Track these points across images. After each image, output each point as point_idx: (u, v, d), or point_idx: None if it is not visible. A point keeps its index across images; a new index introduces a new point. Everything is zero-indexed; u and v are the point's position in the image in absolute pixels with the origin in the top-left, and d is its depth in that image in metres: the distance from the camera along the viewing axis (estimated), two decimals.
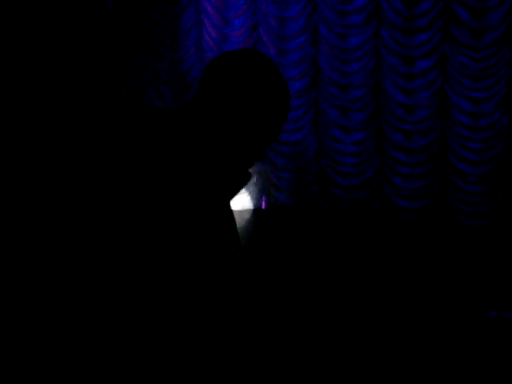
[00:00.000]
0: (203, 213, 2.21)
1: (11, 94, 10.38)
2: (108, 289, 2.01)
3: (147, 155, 2.09)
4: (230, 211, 2.44)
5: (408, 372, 7.41)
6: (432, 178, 11.65)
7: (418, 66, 11.25)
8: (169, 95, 12.44)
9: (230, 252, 2.38)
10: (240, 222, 12.46)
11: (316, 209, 12.30)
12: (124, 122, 2.14)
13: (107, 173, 2.05)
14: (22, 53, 10.58)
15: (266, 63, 2.25)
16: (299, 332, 8.45)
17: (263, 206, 12.79)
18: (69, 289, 2.03)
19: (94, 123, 2.15)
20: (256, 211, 12.69)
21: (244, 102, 2.18)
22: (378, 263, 10.33)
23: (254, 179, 12.69)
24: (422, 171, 11.68)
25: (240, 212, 12.77)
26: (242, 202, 12.77)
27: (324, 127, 12.06)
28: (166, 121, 2.19)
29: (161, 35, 12.10)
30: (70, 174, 2.11)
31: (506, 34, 10.67)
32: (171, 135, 2.16)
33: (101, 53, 12.23)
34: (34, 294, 1.99)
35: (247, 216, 12.51)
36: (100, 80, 12.23)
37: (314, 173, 12.29)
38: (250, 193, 12.66)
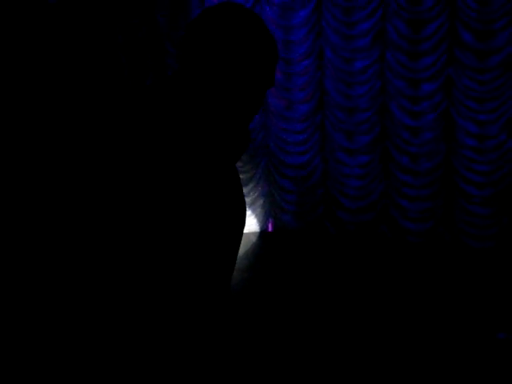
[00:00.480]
0: (209, 180, 2.14)
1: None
2: (112, 280, 1.99)
3: (143, 128, 2.06)
4: (237, 176, 2.33)
5: None
6: (438, 200, 11.66)
7: (424, 88, 11.29)
8: None
9: (238, 220, 2.26)
10: (247, 244, 12.48)
11: (322, 231, 12.31)
12: (114, 105, 2.10)
13: (105, 156, 2.02)
14: (26, 59, 10.65)
15: (245, 13, 2.19)
16: (306, 353, 8.44)
17: (270, 229, 12.81)
18: (70, 289, 2.01)
19: (85, 115, 2.13)
20: (262, 234, 12.70)
21: (232, 56, 2.12)
22: (384, 285, 10.32)
23: (260, 201, 12.73)
24: (428, 193, 11.69)
25: (246, 234, 12.78)
26: (248, 224, 12.78)
27: (330, 150, 12.10)
28: (155, 93, 2.14)
29: (170, 62, 12.18)
30: (65, 170, 2.08)
31: (510, 57, 10.71)
32: (164, 107, 2.11)
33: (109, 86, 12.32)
34: (34, 294, 1.98)
35: (254, 239, 12.53)
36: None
37: (319, 195, 12.31)
38: (257, 215, 12.68)
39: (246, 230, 12.86)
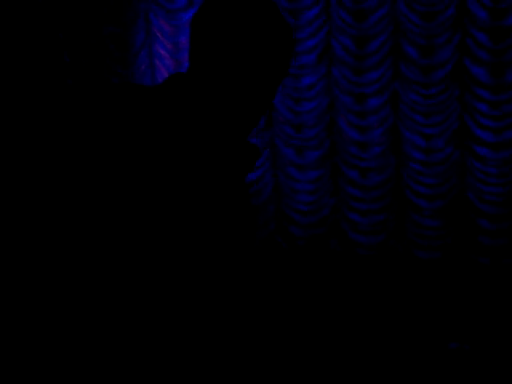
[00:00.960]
0: (218, 194, 2.05)
1: None
2: (113, 278, 1.95)
3: (147, 132, 1.98)
4: (246, 190, 2.23)
5: None
6: (389, 214, 11.78)
7: (370, 103, 11.41)
8: None
9: (248, 230, 2.17)
10: None
11: (274, 247, 12.33)
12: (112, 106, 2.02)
13: (105, 163, 1.95)
14: None
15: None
16: (273, 369, 8.45)
17: None
18: (69, 287, 1.97)
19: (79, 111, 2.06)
20: None
21: (246, 45, 1.99)
22: (337, 298, 10.37)
23: None
24: (379, 207, 11.80)
25: None
26: None
27: (280, 166, 12.15)
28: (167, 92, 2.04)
29: (115, 81, 12.14)
30: (65, 170, 2.01)
31: (454, 71, 10.90)
32: (173, 102, 2.02)
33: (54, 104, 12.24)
34: (33, 294, 1.95)
35: None
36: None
37: (271, 211, 12.34)
38: None
39: None
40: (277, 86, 2.12)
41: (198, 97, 2.01)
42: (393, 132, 11.49)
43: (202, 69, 2.00)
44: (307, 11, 11.17)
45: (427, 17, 10.83)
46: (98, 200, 1.94)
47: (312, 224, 12.09)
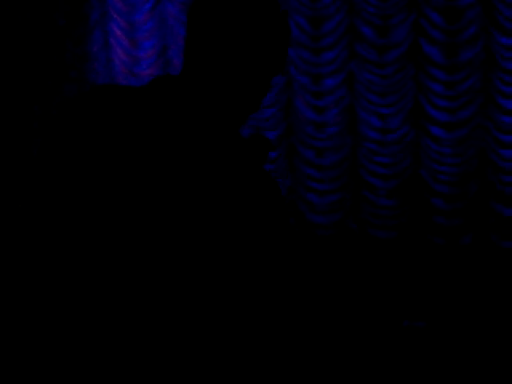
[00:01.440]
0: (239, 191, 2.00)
1: None
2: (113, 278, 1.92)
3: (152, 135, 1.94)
4: (269, 176, 2.13)
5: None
6: (345, 193, 11.84)
7: (327, 83, 11.44)
8: None
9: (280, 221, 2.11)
10: None
11: None
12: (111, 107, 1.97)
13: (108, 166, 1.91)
14: None
15: None
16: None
17: None
18: (71, 288, 1.94)
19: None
20: None
21: (240, 40, 1.97)
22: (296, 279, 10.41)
23: None
24: (335, 187, 11.85)
25: None
26: None
27: None
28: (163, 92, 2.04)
29: (69, 59, 11.99)
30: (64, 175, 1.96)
31: (409, 51, 10.95)
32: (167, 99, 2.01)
33: (15, 85, 12.06)
34: (33, 294, 1.91)
35: None
36: (11, 109, 12.04)
37: None
38: None
39: None
40: (270, 81, 2.08)
41: (194, 94, 1.99)
42: (349, 112, 11.53)
43: (198, 66, 1.99)
44: None
45: None
46: (99, 201, 1.90)
47: None
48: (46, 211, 1.94)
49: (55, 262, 1.92)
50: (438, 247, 11.36)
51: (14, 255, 1.93)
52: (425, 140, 11.25)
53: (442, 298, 9.81)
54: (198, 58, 2.01)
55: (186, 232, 1.93)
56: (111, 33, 11.78)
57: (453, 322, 9.08)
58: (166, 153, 1.93)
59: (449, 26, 10.68)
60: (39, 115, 12.42)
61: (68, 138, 1.96)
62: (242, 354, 2.04)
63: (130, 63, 12.00)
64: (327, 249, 11.53)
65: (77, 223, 1.91)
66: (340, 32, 11.12)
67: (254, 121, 11.86)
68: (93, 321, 1.93)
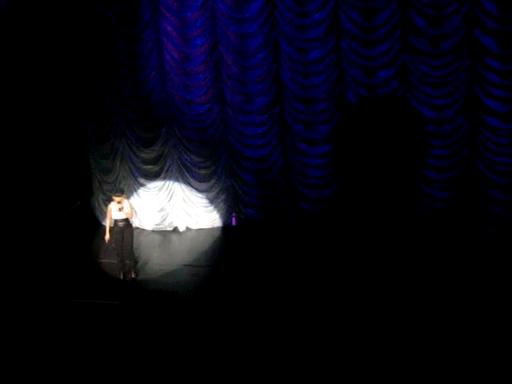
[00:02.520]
0: None
1: None
2: None
3: None
4: None
5: None
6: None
7: (379, 75, 11.33)
8: (132, 116, 12.38)
9: None
10: (211, 239, 12.42)
11: (285, 222, 12.32)
12: None
13: None
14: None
15: None
16: (271, 342, 8.47)
17: (233, 223, 12.77)
18: None
19: None
20: (226, 228, 12.66)
21: None
22: (345, 268, 10.40)
23: (222, 196, 12.68)
24: None
25: (210, 230, 12.75)
26: (211, 219, 12.76)
27: (290, 141, 12.09)
28: None
29: (122, 58, 12.06)
30: None
31: (463, 41, 10.79)
32: None
33: (65, 81, 12.19)
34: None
35: (217, 234, 12.48)
36: (63, 104, 12.19)
37: (281, 187, 12.31)
38: (219, 210, 12.63)
39: (209, 226, 12.82)
40: None
41: None
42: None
43: None
44: None
45: None
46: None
47: (324, 199, 12.07)
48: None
49: None
50: (494, 237, 11.22)
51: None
52: (481, 130, 11.09)
53: (499, 288, 9.69)
54: None
55: None
56: (163, 30, 11.81)
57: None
58: None
59: (503, 15, 10.49)
60: (90, 112, 12.52)
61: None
62: None
63: (182, 60, 12.02)
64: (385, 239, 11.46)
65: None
66: (392, 23, 10.99)
67: (305, 115, 11.82)
68: None
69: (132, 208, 10.86)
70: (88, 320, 9.41)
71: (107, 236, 10.78)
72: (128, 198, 11.86)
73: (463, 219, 11.48)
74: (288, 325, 9.03)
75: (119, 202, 10.58)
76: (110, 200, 11.29)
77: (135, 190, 12.73)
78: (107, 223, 10.87)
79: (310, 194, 12.16)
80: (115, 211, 10.61)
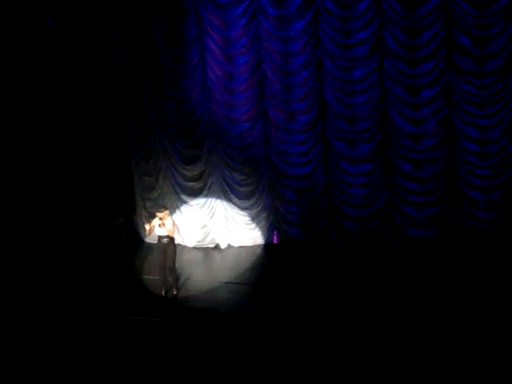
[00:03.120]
0: None
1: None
2: None
3: None
4: None
5: None
6: (442, 206, 11.65)
7: (423, 95, 11.28)
8: (175, 133, 12.48)
9: None
10: (252, 257, 12.42)
11: (327, 241, 12.26)
12: None
13: None
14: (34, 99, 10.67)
15: None
16: (310, 359, 8.42)
17: (274, 241, 12.75)
18: None
19: None
20: (267, 246, 12.65)
21: None
22: (391, 291, 10.30)
23: (264, 214, 12.67)
24: (432, 199, 11.67)
25: (252, 247, 12.75)
26: (252, 237, 12.76)
27: (332, 159, 12.07)
28: None
29: (165, 76, 12.17)
30: None
31: (508, 60, 10.71)
32: None
33: (108, 98, 12.31)
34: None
35: (259, 251, 12.48)
36: (108, 123, 12.30)
37: (323, 205, 12.27)
38: (261, 228, 12.62)
39: (250, 243, 12.83)
40: None
41: None
42: (446, 123, 11.34)
43: None
44: (358, 3, 11.05)
45: (480, 6, 10.64)
46: None
47: (365, 217, 12.00)
48: None
49: None
50: None
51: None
52: None
53: None
54: None
55: None
56: (207, 49, 11.89)
57: None
58: None
59: None
60: (133, 129, 12.62)
61: None
62: None
63: (225, 78, 12.09)
64: (423, 261, 11.35)
65: None
66: (437, 42, 10.93)
67: (347, 134, 11.80)
68: None
69: (174, 225, 10.91)
70: (129, 336, 9.47)
71: (149, 231, 10.90)
72: (171, 214, 11.95)
73: (508, 240, 11.33)
74: (328, 345, 8.99)
75: (161, 218, 10.65)
76: (152, 217, 11.38)
77: (178, 207, 12.80)
78: (151, 228, 10.94)
79: (351, 213, 12.11)
80: (157, 227, 10.69)
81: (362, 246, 12.02)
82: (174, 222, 10.96)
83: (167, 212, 10.97)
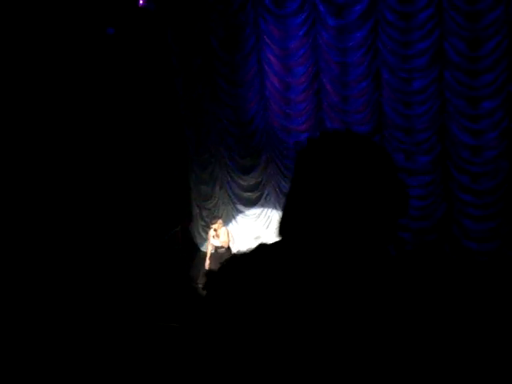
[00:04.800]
0: None
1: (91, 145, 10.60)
2: None
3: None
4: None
5: None
6: (502, 220, 11.46)
7: (484, 106, 11.13)
8: (233, 143, 12.54)
9: None
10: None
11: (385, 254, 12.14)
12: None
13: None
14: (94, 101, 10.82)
15: (366, 145, 1.99)
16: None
17: None
18: None
19: None
20: None
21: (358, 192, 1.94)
22: (450, 305, 10.15)
23: None
24: (491, 212, 11.49)
25: None
26: None
27: None
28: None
29: (223, 85, 12.25)
30: None
31: None
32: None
33: (166, 106, 12.45)
34: None
35: None
36: (166, 131, 12.43)
37: None
38: None
39: None
40: (392, 222, 2.07)
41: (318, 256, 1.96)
42: (507, 135, 11.16)
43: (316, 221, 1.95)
44: (419, 13, 10.97)
45: None
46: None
47: (423, 230, 11.88)
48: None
49: None
50: None
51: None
52: None
53: None
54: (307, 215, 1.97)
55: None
56: (265, 59, 11.94)
57: None
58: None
59: None
60: (191, 138, 12.73)
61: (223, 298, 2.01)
62: None
63: (283, 89, 12.12)
64: (483, 276, 11.18)
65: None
66: (499, 54, 10.79)
67: (405, 145, 11.71)
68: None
69: (228, 235, 10.92)
70: (182, 343, 9.50)
71: (207, 262, 10.89)
72: (226, 224, 11.98)
73: None
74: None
75: (216, 230, 10.70)
76: (208, 226, 11.43)
77: (234, 217, 12.84)
78: (208, 249, 11.00)
79: (409, 225, 12.00)
80: (212, 238, 10.74)
81: (420, 257, 11.91)
82: (228, 232, 10.98)
83: (220, 222, 11.00)
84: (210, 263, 10.87)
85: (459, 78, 11.09)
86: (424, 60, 11.19)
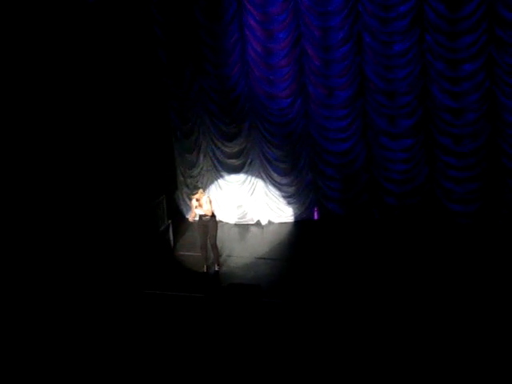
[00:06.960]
0: None
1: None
2: None
3: None
4: None
5: None
6: (484, 181, 11.54)
7: (464, 69, 11.15)
8: (216, 111, 12.53)
9: None
10: (292, 233, 12.47)
11: (368, 217, 12.24)
12: None
13: None
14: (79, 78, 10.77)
15: None
16: (350, 334, 8.45)
17: (315, 217, 12.77)
18: None
19: None
20: (308, 222, 12.67)
21: None
22: (435, 266, 10.25)
23: (305, 190, 12.67)
24: (474, 174, 11.57)
25: (292, 224, 12.78)
26: (293, 213, 12.80)
27: (372, 135, 12.01)
28: None
29: (206, 53, 12.20)
30: None
31: None
32: None
33: (149, 76, 12.39)
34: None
35: (299, 227, 12.50)
36: (149, 101, 12.38)
37: (364, 181, 12.23)
38: (302, 204, 12.64)
39: (291, 219, 12.86)
40: None
41: None
42: (488, 97, 11.20)
43: None
44: None
45: None
46: None
47: (407, 193, 11.94)
48: None
49: None
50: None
51: None
52: None
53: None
54: None
55: None
56: (247, 25, 11.90)
57: None
58: None
59: None
60: (175, 107, 12.69)
61: None
62: None
63: (264, 54, 12.09)
64: (465, 237, 11.28)
65: None
66: (478, 15, 10.78)
67: (387, 109, 11.73)
68: None
69: (210, 204, 10.92)
70: (171, 312, 9.57)
71: (193, 214, 10.99)
72: (210, 192, 12.03)
73: None
74: (365, 319, 8.98)
75: (198, 199, 10.76)
76: (193, 194, 11.48)
77: (218, 184, 12.87)
78: (191, 216, 11.08)
79: (392, 189, 12.06)
80: (195, 207, 10.81)
81: (402, 221, 12.00)
82: (210, 200, 10.98)
83: (201, 191, 11.05)
84: (196, 230, 10.97)
85: (440, 40, 11.09)
86: (405, 23, 11.18)
